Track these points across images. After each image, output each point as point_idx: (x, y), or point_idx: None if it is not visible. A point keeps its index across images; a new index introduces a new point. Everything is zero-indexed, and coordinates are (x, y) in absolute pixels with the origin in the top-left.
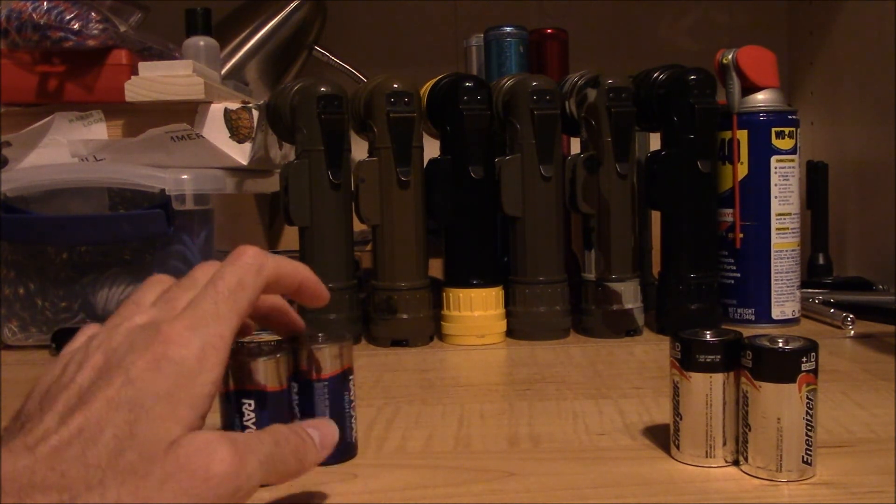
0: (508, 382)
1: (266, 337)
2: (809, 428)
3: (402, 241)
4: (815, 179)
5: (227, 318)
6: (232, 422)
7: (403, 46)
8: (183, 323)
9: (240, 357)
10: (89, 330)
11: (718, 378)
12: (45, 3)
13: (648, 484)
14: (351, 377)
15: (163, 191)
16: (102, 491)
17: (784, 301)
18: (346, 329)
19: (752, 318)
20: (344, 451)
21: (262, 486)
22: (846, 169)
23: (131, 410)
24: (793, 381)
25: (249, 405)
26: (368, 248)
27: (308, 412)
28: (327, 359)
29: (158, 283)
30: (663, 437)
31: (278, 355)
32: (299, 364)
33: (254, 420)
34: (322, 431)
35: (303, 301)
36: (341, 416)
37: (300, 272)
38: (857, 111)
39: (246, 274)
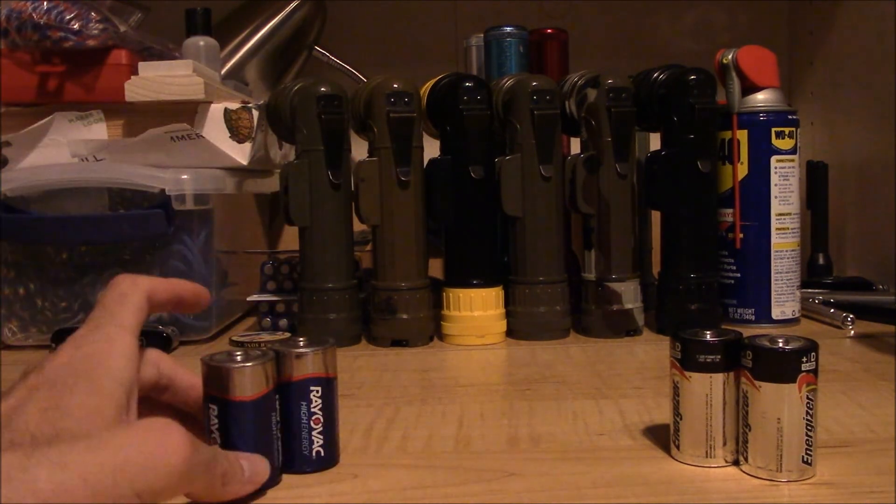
0: (508, 382)
1: (266, 337)
2: (809, 428)
3: (402, 241)
4: (815, 179)
5: (120, 314)
6: (205, 422)
7: (403, 46)
8: (83, 330)
9: (216, 365)
10: None
11: (718, 378)
12: (45, 3)
13: (648, 484)
14: (335, 383)
15: (163, 191)
16: (35, 450)
17: (784, 301)
18: (346, 329)
19: (752, 318)
20: (329, 458)
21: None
22: (846, 169)
23: (52, 388)
24: (793, 381)
25: (213, 410)
26: (368, 248)
27: (292, 418)
28: (309, 365)
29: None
30: (663, 437)
31: (254, 363)
32: (282, 370)
33: (217, 426)
34: (253, 468)
35: (188, 309)
36: (330, 422)
37: (172, 282)
38: (857, 111)
39: (123, 287)
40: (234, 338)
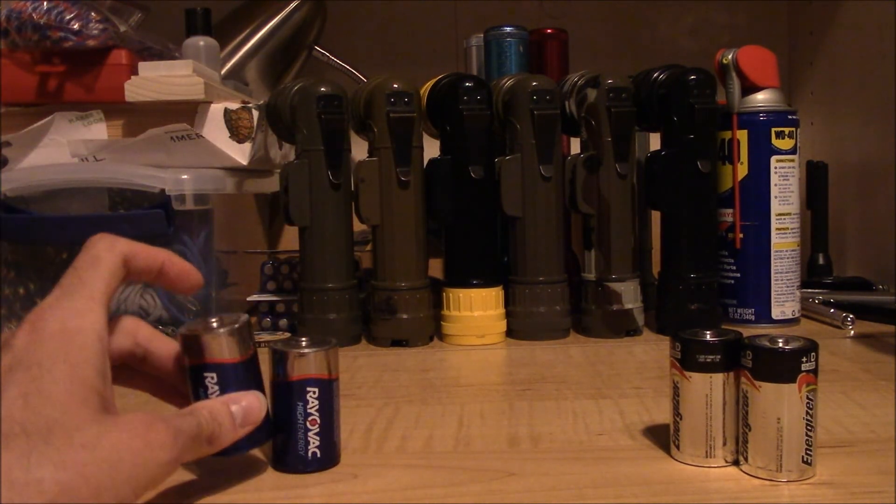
0: (508, 382)
1: (266, 337)
2: (809, 428)
3: (402, 241)
4: (815, 179)
5: (90, 282)
6: (197, 395)
7: (403, 46)
8: (51, 299)
9: (197, 331)
10: None
11: (718, 378)
12: (45, 3)
13: (648, 484)
14: (336, 384)
15: (163, 191)
16: (27, 441)
17: (784, 301)
18: (346, 329)
19: (752, 318)
20: (326, 459)
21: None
22: (846, 169)
23: (28, 370)
24: (793, 381)
25: (212, 378)
26: (368, 248)
27: (289, 418)
28: (309, 366)
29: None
30: (663, 437)
31: (236, 326)
32: (283, 370)
33: (218, 393)
34: (246, 408)
35: (173, 285)
36: (329, 423)
37: (157, 251)
38: (857, 111)
39: (98, 250)
40: None
